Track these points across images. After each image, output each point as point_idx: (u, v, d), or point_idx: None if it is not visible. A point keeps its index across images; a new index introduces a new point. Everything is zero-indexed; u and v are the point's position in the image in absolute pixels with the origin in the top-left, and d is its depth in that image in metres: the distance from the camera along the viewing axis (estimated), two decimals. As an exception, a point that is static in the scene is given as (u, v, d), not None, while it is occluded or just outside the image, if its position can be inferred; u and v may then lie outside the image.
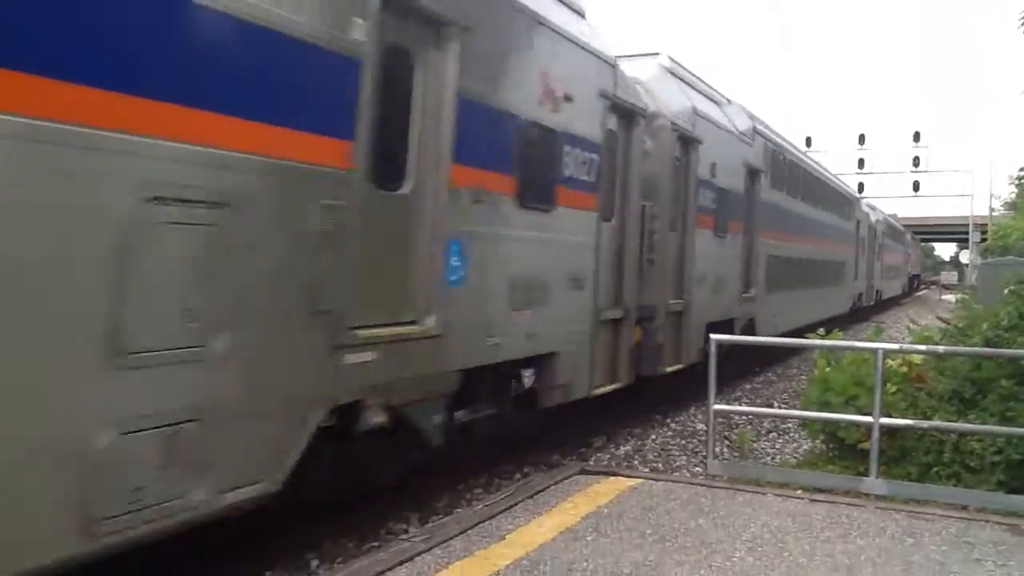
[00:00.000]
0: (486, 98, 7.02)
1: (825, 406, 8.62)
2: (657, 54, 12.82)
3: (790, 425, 12.01)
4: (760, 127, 16.44)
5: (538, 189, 8.01)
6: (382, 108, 5.84)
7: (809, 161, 23.21)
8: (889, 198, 62.40)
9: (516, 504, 6.60)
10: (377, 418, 5.89)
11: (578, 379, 9.17)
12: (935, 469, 7.57)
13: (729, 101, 15.75)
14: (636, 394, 12.08)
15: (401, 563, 5.25)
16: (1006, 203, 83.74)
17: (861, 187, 61.34)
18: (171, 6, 4.25)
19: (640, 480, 7.50)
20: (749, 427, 11.92)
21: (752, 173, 15.49)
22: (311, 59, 5.11)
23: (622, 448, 10.71)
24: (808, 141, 62.90)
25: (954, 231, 77.32)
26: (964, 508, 6.80)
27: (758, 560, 5.46)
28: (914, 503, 6.92)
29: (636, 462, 10.01)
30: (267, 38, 4.77)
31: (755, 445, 11.30)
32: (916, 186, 62.54)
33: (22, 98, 3.58)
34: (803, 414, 8.75)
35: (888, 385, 8.12)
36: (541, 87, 7.93)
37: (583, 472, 7.72)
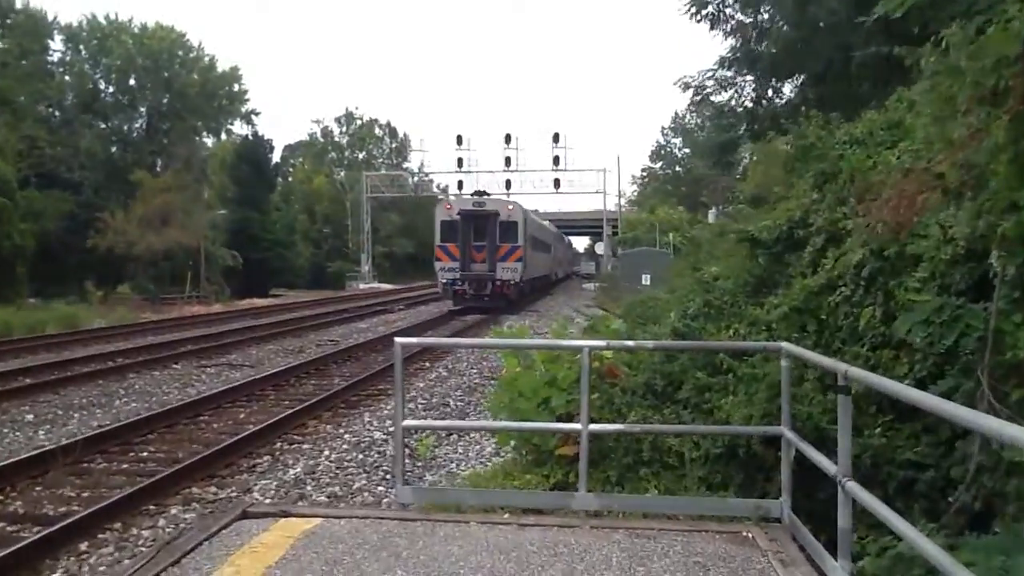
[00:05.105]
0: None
1: (516, 412, 7.83)
2: None
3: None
4: None
5: None
6: None
7: None
8: (533, 194, 65.81)
9: (156, 577, 4.92)
10: None
11: None
12: (642, 471, 7.02)
13: None
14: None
15: None
16: (630, 200, 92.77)
17: (509, 183, 64.15)
18: None
19: (318, 520, 6.08)
20: (428, 432, 10.93)
21: None
22: None
23: (291, 471, 9.22)
24: (459, 139, 64.67)
25: (589, 225, 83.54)
26: (677, 519, 6.25)
27: (477, 621, 4.36)
28: (628, 516, 6.25)
29: (309, 488, 8.59)
30: None
31: (436, 451, 10.37)
32: (557, 183, 66.36)
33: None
34: (505, 425, 7.83)
35: (579, 383, 7.47)
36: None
37: (245, 516, 6.14)
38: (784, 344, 6.00)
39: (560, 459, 7.45)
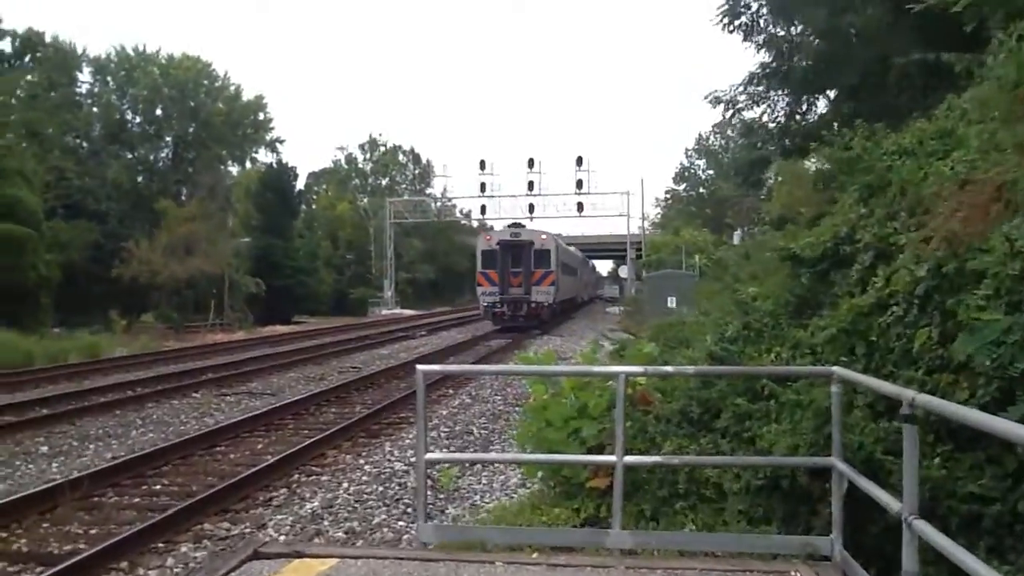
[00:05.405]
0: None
1: (544, 442, 7.41)
2: None
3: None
4: None
5: None
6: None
7: None
8: (556, 218, 65.75)
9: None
10: None
11: None
12: (678, 504, 6.57)
13: None
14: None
15: None
16: (653, 223, 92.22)
17: (532, 208, 63.88)
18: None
19: (333, 561, 5.68)
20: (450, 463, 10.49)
21: None
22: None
23: (308, 505, 8.82)
24: (482, 164, 64.61)
25: (612, 248, 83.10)
26: (715, 555, 5.79)
27: None
28: (666, 554, 5.79)
29: (326, 523, 8.18)
30: None
31: (460, 482, 9.94)
32: (580, 207, 66.04)
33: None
34: (534, 458, 7.40)
35: (611, 412, 7.04)
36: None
37: (257, 556, 5.75)
38: (836, 368, 5.54)
39: (591, 492, 7.01)
